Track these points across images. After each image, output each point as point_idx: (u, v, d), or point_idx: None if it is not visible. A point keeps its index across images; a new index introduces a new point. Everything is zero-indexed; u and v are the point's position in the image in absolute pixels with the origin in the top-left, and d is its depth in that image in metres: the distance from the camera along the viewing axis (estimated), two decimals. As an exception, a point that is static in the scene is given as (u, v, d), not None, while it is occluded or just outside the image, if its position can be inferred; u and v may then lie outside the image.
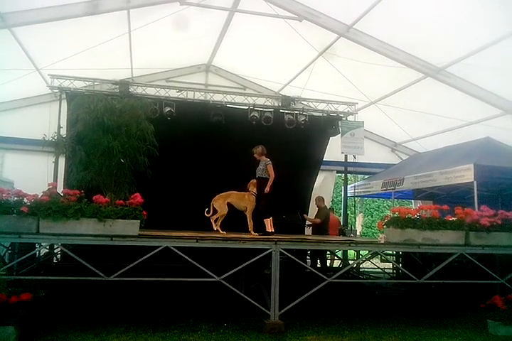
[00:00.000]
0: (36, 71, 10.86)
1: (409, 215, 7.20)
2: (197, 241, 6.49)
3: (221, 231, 8.12)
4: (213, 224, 8.25)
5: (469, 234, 7.17)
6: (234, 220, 10.28)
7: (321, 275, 6.85)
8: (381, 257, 10.10)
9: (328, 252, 11.71)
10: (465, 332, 6.61)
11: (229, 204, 8.33)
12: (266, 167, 8.32)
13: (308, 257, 11.23)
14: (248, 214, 8.23)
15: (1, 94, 11.28)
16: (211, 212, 8.18)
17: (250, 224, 8.22)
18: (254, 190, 8.34)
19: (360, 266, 11.91)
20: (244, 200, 8.36)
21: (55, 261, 9.81)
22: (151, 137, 8.19)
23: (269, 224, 8.10)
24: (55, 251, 9.48)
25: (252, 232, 8.08)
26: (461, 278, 7.60)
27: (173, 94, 11.25)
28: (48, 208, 5.93)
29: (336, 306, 8.08)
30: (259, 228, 8.16)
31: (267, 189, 8.10)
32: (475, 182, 9.04)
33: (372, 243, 7.59)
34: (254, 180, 8.42)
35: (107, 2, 8.99)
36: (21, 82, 10.71)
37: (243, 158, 11.01)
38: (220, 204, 8.27)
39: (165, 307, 7.50)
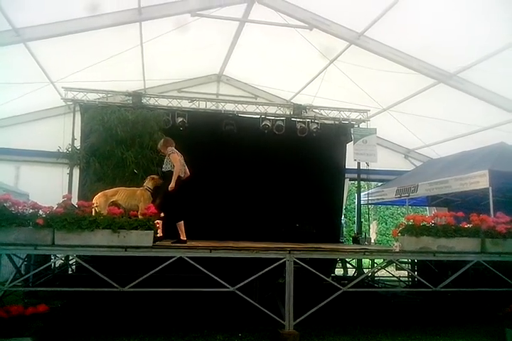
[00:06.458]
0: (50, 84, 11.03)
1: (424, 223, 7.13)
2: (210, 252, 6.49)
3: None
4: None
5: (485, 241, 7.07)
6: (244, 227, 10.35)
7: (335, 284, 6.81)
8: (396, 265, 10.01)
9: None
10: (483, 341, 6.51)
11: (116, 205, 6.88)
12: (169, 157, 7.10)
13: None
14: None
15: (16, 107, 11.47)
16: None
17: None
18: (150, 185, 7.21)
19: (375, 274, 11.81)
20: (136, 197, 6.97)
21: (70, 272, 9.86)
22: (163, 147, 8.26)
23: (181, 229, 7.04)
24: (70, 262, 9.54)
25: None
26: (478, 286, 7.47)
27: (185, 104, 11.35)
28: (63, 220, 5.97)
29: (351, 315, 7.99)
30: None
31: (172, 185, 6.85)
32: (490, 189, 8.91)
33: (387, 251, 7.52)
34: (154, 175, 7.42)
35: (119, 15, 9.11)
36: (36, 95, 10.87)
37: (255, 166, 11.11)
38: (99, 204, 6.71)
39: (179, 317, 7.49)
